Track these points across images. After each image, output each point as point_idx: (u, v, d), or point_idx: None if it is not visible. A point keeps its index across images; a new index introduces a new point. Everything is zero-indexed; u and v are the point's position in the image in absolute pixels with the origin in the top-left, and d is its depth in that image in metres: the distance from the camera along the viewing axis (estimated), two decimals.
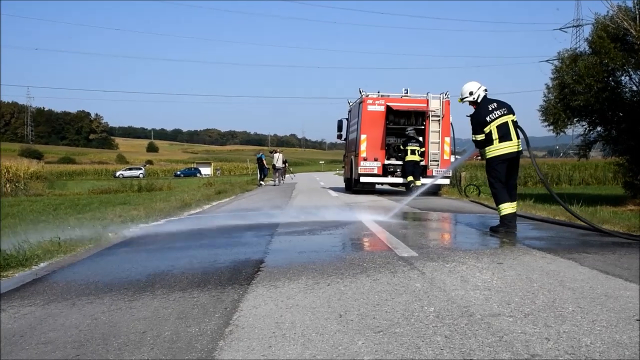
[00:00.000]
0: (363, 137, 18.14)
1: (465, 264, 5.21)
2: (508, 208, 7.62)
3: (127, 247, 7.34)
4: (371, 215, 10.04)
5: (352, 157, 19.70)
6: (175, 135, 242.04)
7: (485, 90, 7.89)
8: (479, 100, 7.82)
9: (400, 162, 18.11)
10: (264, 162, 34.12)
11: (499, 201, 7.68)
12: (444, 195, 17.80)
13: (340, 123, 22.49)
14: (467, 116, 8.00)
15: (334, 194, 19.79)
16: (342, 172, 27.30)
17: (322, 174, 68.41)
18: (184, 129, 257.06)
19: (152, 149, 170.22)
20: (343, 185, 23.75)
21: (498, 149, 7.55)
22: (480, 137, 7.67)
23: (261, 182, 32.41)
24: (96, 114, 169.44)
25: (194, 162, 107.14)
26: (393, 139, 18.64)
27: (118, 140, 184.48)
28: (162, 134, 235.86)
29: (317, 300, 3.97)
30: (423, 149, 17.83)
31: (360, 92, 18.78)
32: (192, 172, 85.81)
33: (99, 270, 5.59)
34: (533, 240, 6.87)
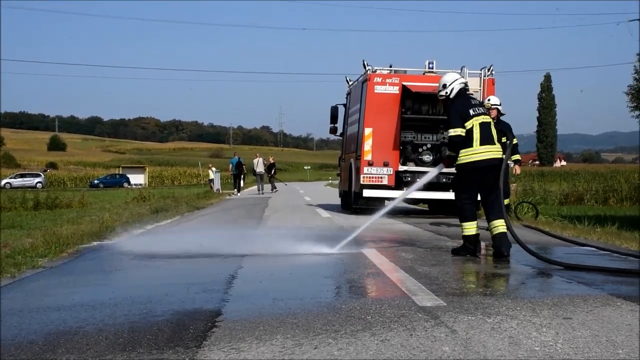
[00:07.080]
0: (368, 131, 17.97)
1: (515, 318, 5.21)
2: (472, 229, 8.92)
3: (15, 291, 7.29)
4: (375, 245, 10.39)
5: (352, 160, 19.62)
6: (91, 127, 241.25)
7: (465, 84, 9.06)
8: (451, 96, 8.92)
9: (421, 169, 17.87)
10: (244, 167, 41.29)
11: (463, 218, 8.93)
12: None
13: (334, 111, 22.45)
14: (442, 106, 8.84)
15: (324, 213, 19.78)
16: (338, 182, 27.21)
17: (308, 184, 68.42)
18: (105, 117, 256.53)
19: (56, 145, 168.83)
20: (339, 201, 23.69)
21: (477, 153, 8.57)
22: (461, 130, 8.61)
23: (238, 192, 39.28)
24: None
25: (119, 167, 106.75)
26: (411, 135, 18.52)
27: (4, 132, 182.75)
28: (71, 124, 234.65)
29: None
30: None
31: (365, 67, 18.43)
32: (117, 181, 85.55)
33: None
34: (618, 285, 6.85)
